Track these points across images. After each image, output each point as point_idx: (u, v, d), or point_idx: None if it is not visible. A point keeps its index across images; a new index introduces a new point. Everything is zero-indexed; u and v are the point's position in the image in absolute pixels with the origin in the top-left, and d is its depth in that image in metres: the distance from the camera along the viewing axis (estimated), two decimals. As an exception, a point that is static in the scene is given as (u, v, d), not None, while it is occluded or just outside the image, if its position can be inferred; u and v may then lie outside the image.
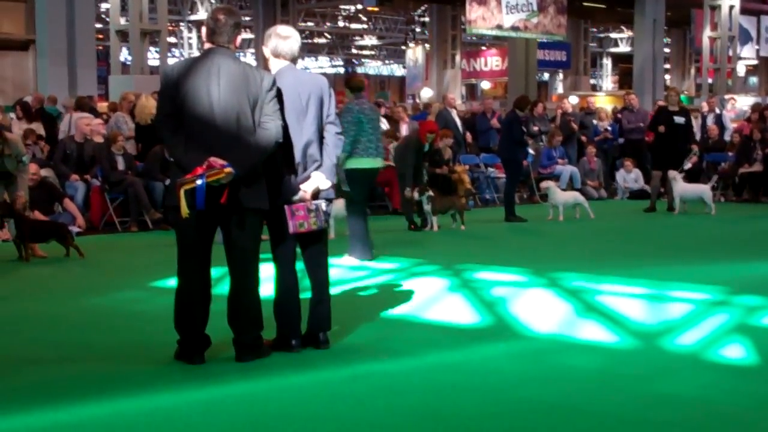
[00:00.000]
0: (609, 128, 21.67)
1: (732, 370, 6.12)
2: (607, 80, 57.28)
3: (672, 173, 16.40)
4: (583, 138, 21.23)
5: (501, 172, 18.31)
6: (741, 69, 39.47)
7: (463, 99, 40.08)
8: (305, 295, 6.64)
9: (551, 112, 22.89)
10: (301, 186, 6.44)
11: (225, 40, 6.20)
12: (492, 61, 43.44)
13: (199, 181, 5.85)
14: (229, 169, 5.88)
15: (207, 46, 6.29)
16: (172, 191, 6.08)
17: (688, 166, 17.74)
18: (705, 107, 22.66)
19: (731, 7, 28.66)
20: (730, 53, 29.47)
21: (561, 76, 46.36)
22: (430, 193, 14.10)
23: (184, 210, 5.90)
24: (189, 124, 6.02)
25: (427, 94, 38.49)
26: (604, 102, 33.14)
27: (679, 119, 16.76)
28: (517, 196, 17.53)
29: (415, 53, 42.75)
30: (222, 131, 6.01)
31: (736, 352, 6.49)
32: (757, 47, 34.58)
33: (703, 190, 16.54)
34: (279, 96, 6.27)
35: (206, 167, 5.87)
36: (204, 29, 6.30)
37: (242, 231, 6.18)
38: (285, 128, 6.27)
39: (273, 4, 32.61)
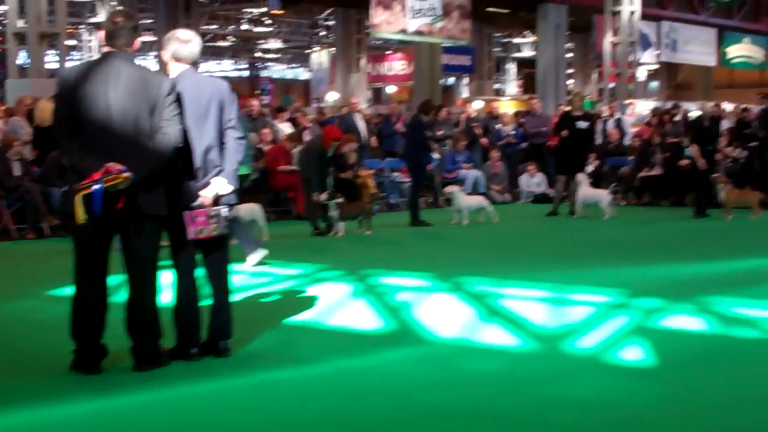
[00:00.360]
0: (512, 133, 21.87)
1: (631, 371, 6.19)
2: (512, 85, 57.79)
3: (580, 176, 16.61)
4: (484, 141, 21.36)
5: (406, 176, 18.35)
6: (642, 74, 40.16)
7: (369, 103, 40.10)
8: (206, 302, 6.55)
9: (456, 117, 23.02)
10: (201, 191, 6.35)
11: (123, 44, 6.11)
12: (397, 65, 43.51)
13: (95, 186, 5.74)
14: (126, 174, 5.78)
15: (105, 49, 6.18)
16: (69, 197, 5.95)
17: (589, 169, 17.98)
18: (606, 111, 22.99)
19: (632, 13, 29.11)
20: (631, 58, 29.92)
21: (466, 80, 46.64)
22: (340, 198, 14.06)
23: (81, 216, 5.78)
24: (86, 129, 5.91)
25: (332, 98, 38.44)
26: (508, 106, 33.47)
27: (582, 124, 16.97)
28: (422, 201, 17.58)
29: (320, 57, 42.67)
30: (119, 136, 5.92)
31: (634, 354, 6.57)
32: (657, 52, 35.18)
33: (601, 195, 16.76)
34: (178, 100, 6.18)
35: (103, 172, 5.76)
36: (102, 32, 6.19)
37: (140, 237, 6.08)
38: (184, 133, 6.18)
39: (176, 6, 32.21)
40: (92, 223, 5.85)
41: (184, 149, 6.24)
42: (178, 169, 6.28)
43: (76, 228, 5.94)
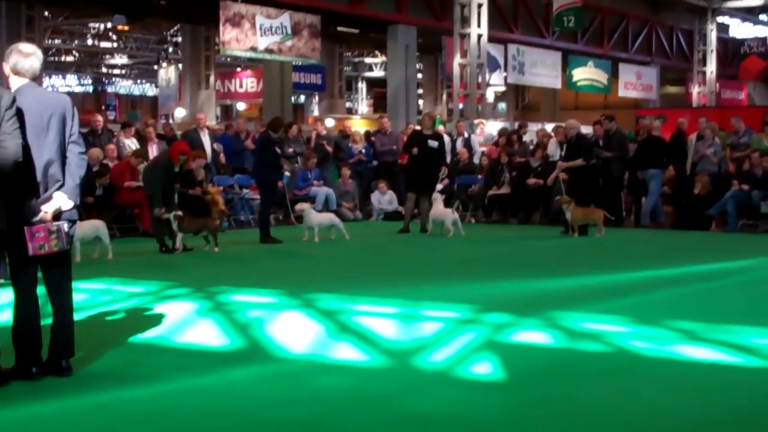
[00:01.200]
0: (363, 151, 21.96)
1: (480, 385, 6.22)
2: (363, 104, 58.22)
3: (435, 195, 16.77)
4: (328, 148, 21.40)
5: (256, 193, 18.20)
6: (490, 95, 40.92)
7: (218, 120, 39.77)
8: (47, 320, 6.32)
9: (306, 134, 22.98)
10: (42, 207, 6.14)
11: None
12: (247, 82, 43.27)
13: None
14: None
15: None
16: None
17: (439, 188, 18.17)
18: (455, 132, 23.30)
19: (479, 36, 29.58)
20: (480, 80, 30.40)
21: (317, 98, 46.73)
22: (178, 212, 13.84)
23: None
24: None
25: (180, 114, 37.98)
26: (359, 125, 33.61)
27: (433, 143, 17.12)
28: (273, 218, 17.47)
29: (168, 73, 42.13)
30: None
31: (484, 368, 6.61)
32: (504, 74, 35.85)
33: (446, 214, 16.93)
34: (19, 115, 5.97)
35: None
36: None
37: None
38: (25, 148, 5.97)
39: (18, 19, 31.36)
40: None
41: (24, 164, 6.02)
42: (19, 184, 6.06)
43: None
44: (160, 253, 13.87)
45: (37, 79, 6.44)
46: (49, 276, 6.38)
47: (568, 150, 17.31)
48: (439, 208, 16.85)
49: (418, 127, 19.43)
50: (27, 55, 6.32)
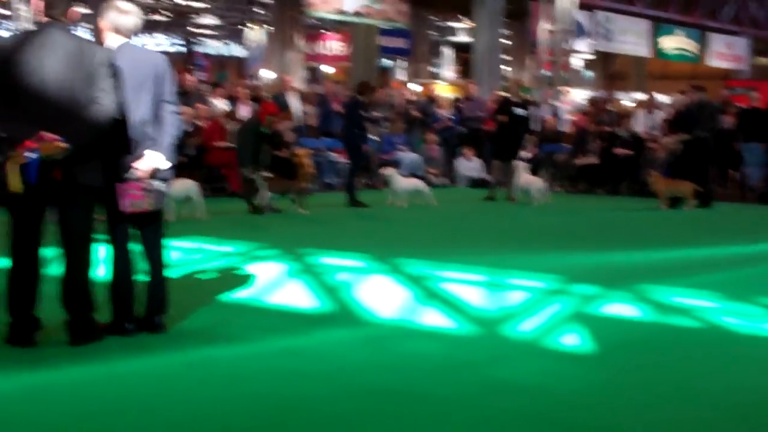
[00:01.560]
0: (449, 116, 21.88)
1: (568, 356, 6.19)
2: (448, 69, 57.91)
3: (519, 163, 16.67)
4: (415, 113, 21.34)
5: (343, 156, 18.27)
6: (576, 62, 40.38)
7: (306, 82, 39.88)
8: (142, 277, 6.44)
9: (393, 99, 22.97)
10: (137, 165, 6.23)
11: (59, 14, 6.02)
12: (334, 45, 43.32)
13: (31, 155, 5.64)
14: (62, 144, 5.67)
15: (41, 19, 6.08)
16: (1, 167, 5.81)
17: (527, 155, 18.06)
18: (541, 99, 23.12)
19: (568, 2, 29.25)
20: (566, 47, 30.07)
21: (402, 63, 46.58)
22: (265, 173, 13.97)
23: (15, 185, 5.66)
24: (20, 99, 5.79)
25: (267, 75, 38.13)
26: (444, 90, 33.46)
27: (520, 111, 17.04)
28: (359, 182, 17.53)
29: (256, 34, 42.30)
30: (54, 106, 5.81)
31: (572, 339, 6.58)
32: (592, 42, 35.41)
33: (533, 182, 16.81)
34: (115, 72, 6.07)
35: (38, 141, 5.63)
36: (38, 2, 6.07)
37: (75, 209, 5.99)
38: (121, 105, 6.07)
39: (110, -22, 31.78)
40: (26, 194, 5.74)
41: (121, 121, 6.12)
42: (115, 141, 6.16)
43: (10, 199, 5.82)
44: (248, 213, 14.03)
45: (133, 37, 6.52)
46: (144, 234, 6.47)
47: (679, 121, 17.04)
48: (526, 175, 16.75)
49: (505, 94, 19.32)
50: (126, 13, 6.41)
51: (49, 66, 5.81)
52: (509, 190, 17.08)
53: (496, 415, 4.92)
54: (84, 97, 5.86)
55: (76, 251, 6.05)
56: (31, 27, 6.24)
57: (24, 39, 5.97)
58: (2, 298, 6.00)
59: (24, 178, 5.66)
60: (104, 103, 5.90)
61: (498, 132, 17.38)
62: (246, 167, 13.93)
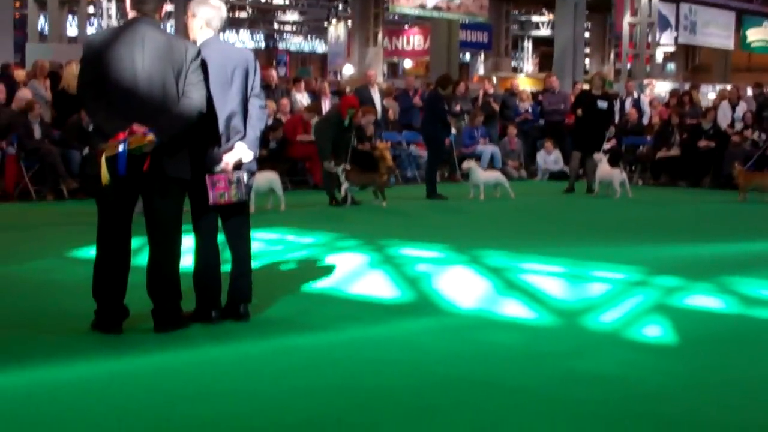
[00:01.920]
0: (530, 109, 21.79)
1: (651, 348, 6.15)
2: (528, 63, 57.63)
3: (598, 156, 16.51)
4: (495, 106, 21.27)
5: (423, 150, 18.30)
6: (659, 55, 39.94)
7: (386, 77, 40.01)
8: (226, 267, 6.54)
9: (473, 93, 22.94)
10: (224, 157, 6.34)
11: (150, 9, 6.13)
12: (414, 39, 43.40)
13: (121, 147, 5.74)
14: (151, 137, 5.78)
15: (132, 15, 6.19)
16: (91, 160, 5.97)
17: (606, 147, 17.92)
18: (624, 92, 22.90)
19: (651, -6, 28.98)
20: (649, 39, 29.76)
21: (482, 57, 46.46)
22: (346, 166, 14.05)
23: (105, 177, 5.80)
24: (112, 93, 5.93)
25: (348, 71, 38.34)
26: (525, 84, 33.32)
27: (602, 104, 16.89)
28: (439, 175, 17.53)
29: (337, 30, 42.55)
30: (145, 100, 5.94)
31: (654, 331, 6.53)
32: (675, 34, 34.99)
33: (614, 174, 16.66)
34: (203, 66, 6.19)
35: (128, 133, 5.76)
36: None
37: (163, 200, 6.11)
38: (209, 99, 6.18)
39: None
40: (116, 186, 5.86)
41: (209, 115, 6.23)
42: (202, 134, 6.27)
43: (100, 190, 5.96)
44: (329, 205, 14.13)
45: (220, 32, 6.64)
46: (229, 224, 6.58)
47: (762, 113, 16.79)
48: (606, 168, 16.61)
49: (586, 87, 19.16)
50: (217, 9, 6.54)
51: (140, 61, 5.93)
52: (589, 182, 16.95)
53: (577, 406, 4.91)
54: (173, 92, 5.99)
55: (164, 241, 6.18)
56: (121, 23, 6.32)
57: (116, 34, 6.10)
58: (89, 286, 6.14)
59: (113, 170, 5.78)
60: (193, 97, 6.03)
61: (578, 125, 17.26)
62: (326, 160, 14.03)
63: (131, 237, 6.17)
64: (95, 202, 6.17)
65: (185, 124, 6.03)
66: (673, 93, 23.97)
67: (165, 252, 6.17)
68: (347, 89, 21.26)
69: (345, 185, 14.08)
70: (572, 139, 18.38)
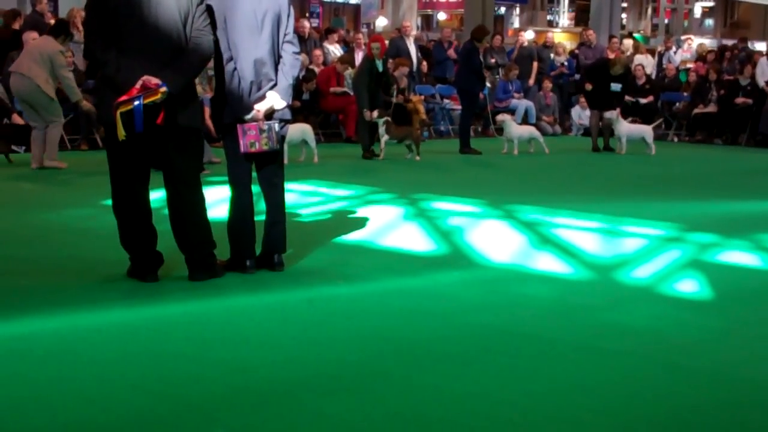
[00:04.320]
0: (565, 63, 21.61)
1: (685, 303, 6.14)
2: (564, 17, 57.08)
3: (612, 114, 16.17)
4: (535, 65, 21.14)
5: (456, 103, 18.23)
6: (697, 10, 39.52)
7: (419, 29, 39.77)
8: (260, 217, 6.56)
9: (508, 46, 22.77)
10: (255, 105, 6.31)
11: None
12: (449, -8, 43.13)
13: (135, 103, 5.68)
14: (164, 89, 5.73)
15: None
16: (106, 108, 5.89)
17: (643, 101, 17.66)
18: (662, 47, 22.70)
19: (691, -53, 28.63)
20: (688, -6, 29.49)
21: (517, 10, 46.12)
22: (388, 118, 14.02)
23: (121, 132, 5.75)
24: (120, 42, 5.83)
25: (382, 23, 38.13)
26: (560, 38, 33.02)
27: (616, 86, 16.57)
28: (472, 129, 17.46)
29: (371, -19, 42.27)
30: (155, 49, 5.85)
31: (689, 286, 6.53)
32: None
33: (645, 130, 16.49)
34: (209, 10, 6.11)
35: (141, 88, 5.70)
36: None
37: (180, 151, 6.05)
38: (216, 42, 6.12)
39: None
40: (130, 140, 5.82)
41: (228, 60, 6.22)
42: (229, 81, 6.24)
43: (112, 144, 5.95)
44: (363, 158, 14.13)
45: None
46: (262, 174, 6.58)
47: None
48: (632, 125, 16.45)
49: (610, 55, 18.72)
50: None
51: (147, 7, 5.82)
52: (606, 140, 16.72)
53: (608, 356, 4.92)
54: (182, 38, 5.91)
55: (186, 190, 6.14)
56: None
57: None
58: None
59: (129, 126, 5.72)
60: (201, 43, 5.94)
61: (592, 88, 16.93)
62: (365, 109, 13.97)
63: (148, 186, 6.16)
64: (106, 152, 6.16)
65: (195, 72, 6.01)
66: (709, 50, 23.66)
67: (188, 200, 6.15)
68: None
69: (384, 138, 14.04)
70: (586, 97, 17.99)
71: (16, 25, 15.10)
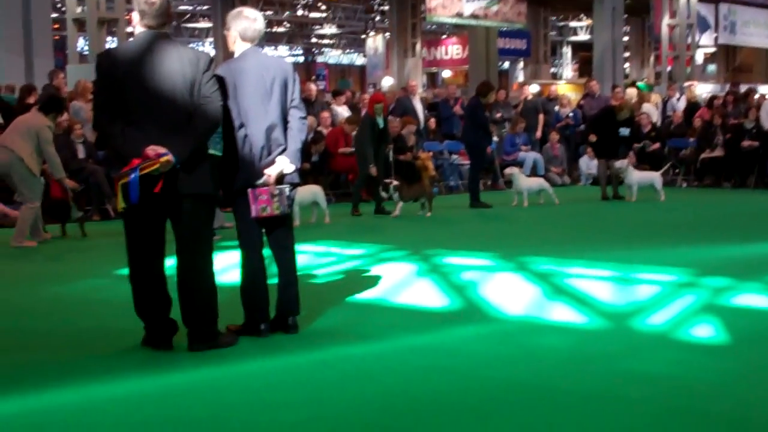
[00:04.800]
0: (571, 115, 21.71)
1: (701, 348, 6.12)
2: (567, 68, 57.42)
3: (622, 163, 16.20)
4: (541, 117, 21.20)
5: (465, 158, 18.30)
6: (699, 57, 39.70)
7: (425, 87, 40.03)
8: (273, 281, 6.58)
9: (513, 100, 22.90)
10: (266, 170, 6.36)
11: (159, 23, 6.02)
12: (453, 49, 43.38)
13: (132, 175, 5.72)
14: (166, 158, 5.74)
15: (139, 30, 6.09)
16: (112, 183, 5.97)
17: (650, 148, 17.70)
18: (666, 94, 22.82)
19: (690, -5, 28.84)
20: (689, 41, 29.61)
21: (521, 64, 46.40)
22: (395, 182, 14.07)
23: (120, 204, 5.82)
24: (128, 112, 5.86)
25: (387, 83, 38.38)
26: (564, 90, 33.25)
27: (624, 131, 16.60)
28: (482, 183, 17.49)
29: (375, 42, 42.61)
30: (159, 117, 5.87)
31: (705, 331, 6.51)
32: (715, 35, 34.80)
33: (654, 177, 16.51)
34: (219, 79, 6.17)
35: (142, 159, 5.73)
36: (136, 14, 6.05)
37: (187, 218, 6.03)
38: (225, 109, 6.16)
39: (233, -8, 32.42)
40: (138, 208, 5.85)
41: (231, 126, 6.26)
42: (241, 147, 6.29)
43: (125, 213, 5.99)
44: (374, 215, 14.17)
45: (258, 43, 6.64)
46: (273, 237, 6.60)
47: None
48: (641, 172, 16.47)
49: (615, 104, 18.73)
50: (253, 20, 6.52)
51: (152, 78, 5.86)
52: (614, 188, 16.71)
53: (627, 405, 4.91)
54: (187, 107, 5.92)
55: (191, 259, 6.11)
56: (134, 38, 6.20)
57: (125, 52, 6.01)
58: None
59: (126, 197, 5.78)
60: (208, 110, 5.95)
61: (598, 137, 16.90)
62: (369, 164, 14.07)
63: (164, 254, 6.16)
64: (123, 222, 6.19)
65: (201, 139, 5.97)
66: (712, 96, 23.75)
67: (191, 268, 6.10)
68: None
69: (400, 205, 14.08)
70: (592, 146, 17.86)
71: (31, 99, 15.24)
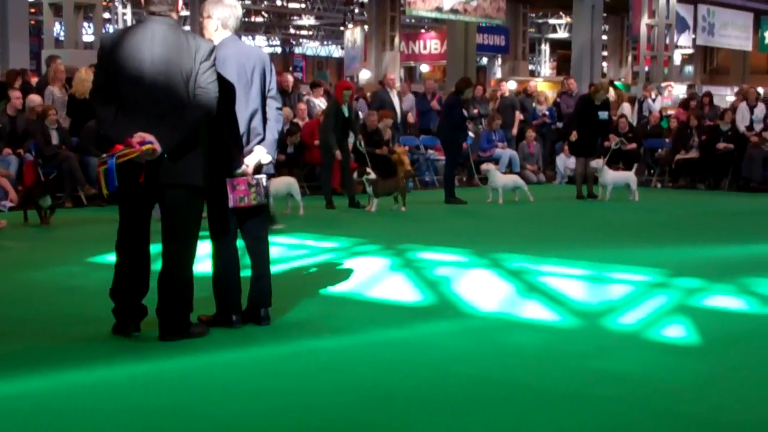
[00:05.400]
0: (547, 113, 21.73)
1: (672, 348, 6.15)
2: (545, 66, 57.59)
3: (597, 162, 16.24)
4: (518, 114, 21.24)
5: (441, 154, 18.28)
6: (677, 57, 39.89)
7: (402, 82, 40.04)
8: (246, 272, 6.55)
9: (490, 96, 22.91)
10: (245, 160, 6.32)
11: (163, 9, 5.97)
12: (431, 44, 43.43)
13: (109, 162, 5.67)
14: (148, 146, 5.67)
15: (147, 14, 6.06)
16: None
17: (625, 147, 17.77)
18: (642, 94, 22.88)
19: (669, -5, 28.95)
20: (667, 41, 29.73)
21: (499, 60, 46.47)
22: (372, 175, 14.03)
23: (104, 189, 5.78)
24: (122, 97, 5.83)
25: (365, 75, 38.34)
26: (542, 87, 33.31)
27: (603, 114, 16.61)
28: (457, 179, 17.50)
29: (354, 34, 42.54)
30: (152, 105, 5.82)
31: (676, 331, 6.53)
32: (693, 36, 34.93)
33: (629, 177, 16.54)
34: (215, 66, 6.10)
35: (123, 146, 5.67)
36: None
37: (172, 208, 5.99)
38: (226, 101, 6.13)
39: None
40: (129, 194, 5.84)
41: (227, 117, 6.20)
42: (225, 136, 6.25)
43: (119, 198, 5.97)
44: (348, 208, 14.18)
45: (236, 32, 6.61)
46: (247, 228, 6.55)
47: None
48: (616, 172, 16.49)
49: (587, 94, 18.74)
50: (234, 8, 6.46)
51: (149, 63, 5.81)
52: (590, 188, 16.72)
53: (597, 404, 4.92)
54: (181, 95, 5.86)
55: (171, 249, 6.06)
56: (138, 23, 6.18)
57: (127, 35, 5.97)
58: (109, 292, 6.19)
59: (107, 183, 5.74)
60: (202, 100, 5.88)
61: (579, 134, 16.88)
62: (331, 154, 14.07)
63: (149, 243, 6.13)
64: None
65: (191, 129, 5.87)
66: (691, 96, 23.84)
67: (172, 261, 6.05)
68: (367, 95, 21.25)
69: (375, 200, 14.06)
70: (570, 145, 17.82)
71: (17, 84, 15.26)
